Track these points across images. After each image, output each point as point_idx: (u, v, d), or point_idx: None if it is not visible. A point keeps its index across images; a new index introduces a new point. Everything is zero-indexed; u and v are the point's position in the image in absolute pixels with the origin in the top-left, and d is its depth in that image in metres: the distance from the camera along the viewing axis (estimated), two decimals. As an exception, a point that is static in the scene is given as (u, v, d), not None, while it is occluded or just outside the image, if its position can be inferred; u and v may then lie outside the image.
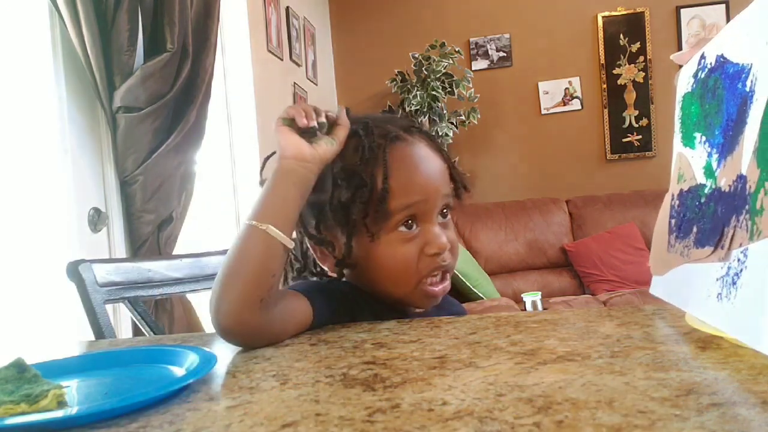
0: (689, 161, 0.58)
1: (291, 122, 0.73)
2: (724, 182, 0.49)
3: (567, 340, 0.55)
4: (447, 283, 0.79)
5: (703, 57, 0.57)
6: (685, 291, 0.54)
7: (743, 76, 0.48)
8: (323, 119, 0.74)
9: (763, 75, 0.45)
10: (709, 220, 0.51)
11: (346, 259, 0.76)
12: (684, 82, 0.61)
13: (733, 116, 0.49)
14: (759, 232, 0.42)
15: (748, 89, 0.47)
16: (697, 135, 0.56)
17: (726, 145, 0.50)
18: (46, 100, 1.52)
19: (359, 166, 0.74)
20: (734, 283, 0.45)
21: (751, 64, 0.47)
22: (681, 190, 0.59)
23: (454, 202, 0.80)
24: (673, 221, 0.59)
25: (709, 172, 0.53)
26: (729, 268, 0.46)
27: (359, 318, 0.76)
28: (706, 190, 0.53)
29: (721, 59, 0.53)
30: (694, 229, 0.54)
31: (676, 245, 0.58)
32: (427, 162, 0.78)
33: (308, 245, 0.82)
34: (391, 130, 0.78)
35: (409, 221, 0.75)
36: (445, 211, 0.79)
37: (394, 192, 0.74)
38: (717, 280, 0.47)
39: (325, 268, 0.81)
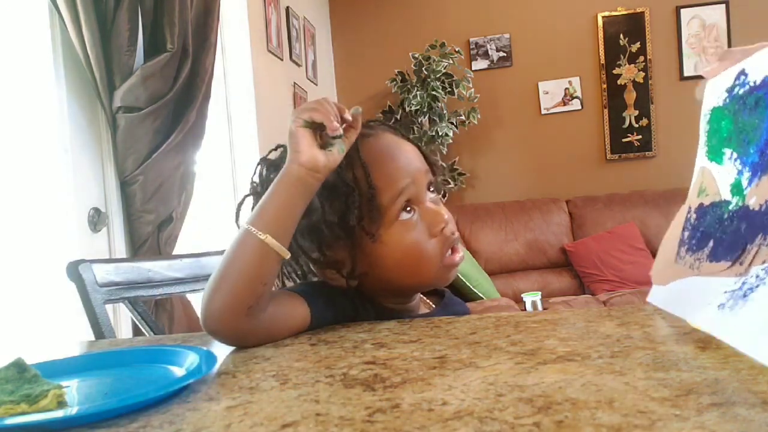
0: (714, 176, 0.57)
1: (311, 124, 0.69)
2: (754, 201, 0.49)
3: (567, 340, 0.55)
4: (461, 252, 0.79)
5: (744, 74, 0.56)
6: (684, 300, 0.54)
7: None
8: (343, 123, 0.71)
9: None
10: (730, 236, 0.51)
11: (356, 271, 0.76)
12: (714, 96, 0.59)
13: None
14: None
15: None
16: (727, 151, 0.56)
17: (761, 165, 0.49)
18: (46, 100, 1.52)
19: (340, 173, 0.73)
20: (745, 296, 0.45)
21: None
22: (701, 204, 0.58)
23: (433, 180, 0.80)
24: (686, 233, 0.59)
25: (737, 189, 0.52)
26: (744, 283, 0.46)
27: (360, 318, 0.75)
28: (731, 207, 0.52)
29: None
30: (711, 244, 0.54)
31: (686, 257, 0.57)
32: (400, 147, 0.78)
33: (312, 269, 0.80)
34: None
35: (408, 207, 0.75)
36: (431, 188, 0.79)
37: (381, 186, 0.73)
38: (725, 292, 0.47)
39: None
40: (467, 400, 0.41)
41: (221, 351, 0.64)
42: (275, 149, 0.81)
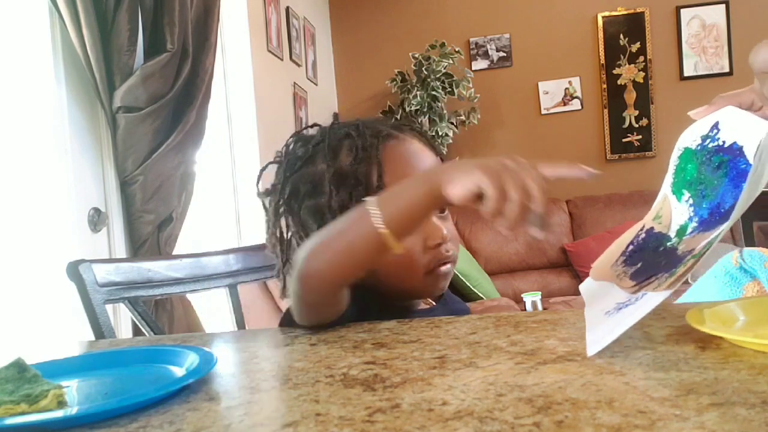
0: (671, 210, 0.61)
1: None
2: (683, 248, 0.55)
3: (567, 340, 0.55)
4: (450, 266, 0.80)
5: (716, 127, 0.58)
6: (595, 300, 0.61)
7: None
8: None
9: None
10: (653, 265, 0.57)
11: None
12: (689, 137, 0.62)
13: (727, 206, 0.53)
14: (660, 287, 0.50)
15: None
16: (686, 193, 0.60)
17: (707, 224, 0.54)
18: (46, 100, 1.52)
19: (353, 166, 0.74)
20: (619, 310, 0.53)
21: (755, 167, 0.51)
22: (652, 228, 0.63)
23: None
24: (630, 247, 0.64)
25: (681, 231, 0.57)
26: (629, 299, 0.54)
27: (366, 312, 0.75)
28: (669, 244, 0.58)
29: (738, 150, 0.55)
30: (639, 264, 0.59)
31: (619, 267, 0.63)
32: (421, 157, 0.79)
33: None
34: (382, 128, 0.79)
35: None
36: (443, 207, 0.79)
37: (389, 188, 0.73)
38: (617, 303, 0.55)
39: None
40: (467, 400, 0.41)
41: (221, 351, 0.64)
42: (311, 126, 0.84)
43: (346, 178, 0.75)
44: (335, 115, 0.94)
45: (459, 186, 0.57)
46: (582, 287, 0.66)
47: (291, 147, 0.82)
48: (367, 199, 0.61)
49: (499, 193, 0.53)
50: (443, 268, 0.78)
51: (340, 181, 0.75)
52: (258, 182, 0.81)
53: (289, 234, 0.82)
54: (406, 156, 0.78)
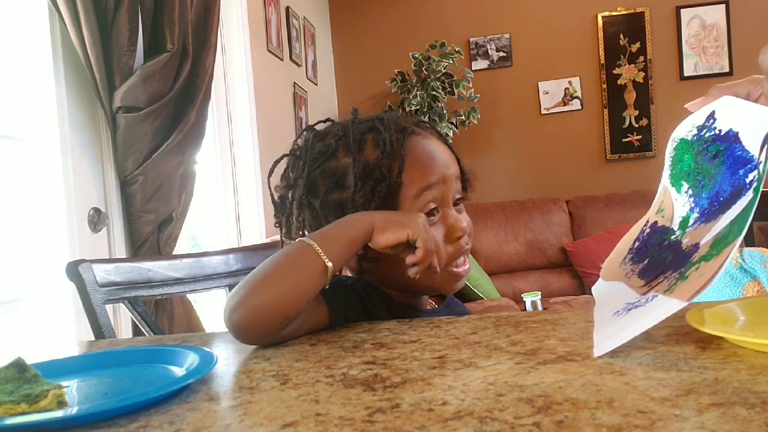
0: (673, 202, 0.61)
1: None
2: (687, 241, 0.54)
3: (567, 340, 0.55)
4: (468, 265, 0.82)
5: (713, 117, 0.58)
6: (606, 300, 0.61)
7: (748, 166, 0.51)
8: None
9: (762, 177, 0.49)
10: (659, 261, 0.56)
11: (368, 254, 0.76)
12: (685, 128, 0.62)
13: (726, 194, 0.52)
14: (672, 291, 0.49)
15: (747, 181, 0.50)
16: (685, 184, 0.59)
17: (708, 214, 0.54)
18: (46, 100, 1.52)
19: (381, 160, 0.76)
20: (629, 310, 0.53)
21: (761, 163, 0.49)
22: (656, 222, 0.62)
23: (462, 195, 0.83)
24: (636, 243, 0.64)
25: (683, 224, 0.57)
26: (639, 300, 0.53)
27: (375, 317, 0.75)
28: (673, 237, 0.57)
29: (733, 136, 0.54)
30: (646, 261, 0.59)
31: (627, 264, 0.62)
32: (441, 151, 0.81)
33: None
34: (405, 124, 0.81)
35: (432, 209, 0.77)
36: (457, 200, 0.81)
37: (413, 179, 0.76)
38: (626, 303, 0.55)
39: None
40: (467, 400, 0.41)
41: (221, 351, 0.64)
42: (324, 121, 0.84)
43: (371, 171, 0.75)
44: (355, 110, 0.95)
45: (389, 236, 0.69)
46: (594, 289, 0.66)
47: (310, 141, 0.82)
48: (304, 238, 0.68)
49: (427, 250, 0.69)
50: (462, 269, 0.80)
51: (364, 173, 0.76)
52: (270, 176, 0.82)
53: (305, 228, 0.83)
54: (428, 152, 0.79)
